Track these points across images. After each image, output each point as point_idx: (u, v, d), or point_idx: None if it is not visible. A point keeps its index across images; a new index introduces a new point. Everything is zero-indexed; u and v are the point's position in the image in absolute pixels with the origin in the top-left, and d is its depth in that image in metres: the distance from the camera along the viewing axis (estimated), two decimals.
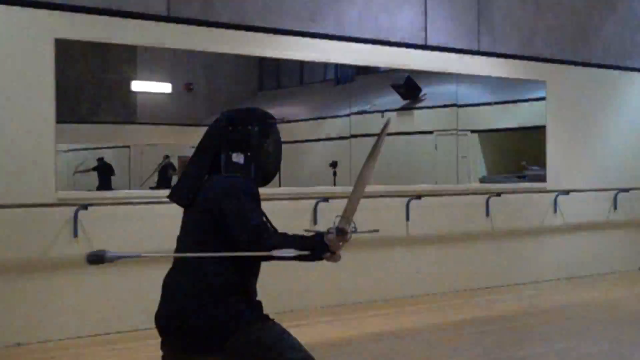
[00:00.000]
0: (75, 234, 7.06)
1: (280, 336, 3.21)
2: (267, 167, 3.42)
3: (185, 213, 3.42)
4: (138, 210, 7.39)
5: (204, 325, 3.17)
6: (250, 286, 3.34)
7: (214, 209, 3.19)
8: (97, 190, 7.57)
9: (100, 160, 7.67)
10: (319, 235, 3.06)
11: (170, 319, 3.27)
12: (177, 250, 3.38)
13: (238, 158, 3.32)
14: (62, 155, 7.19)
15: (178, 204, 3.41)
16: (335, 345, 6.80)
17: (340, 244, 3.06)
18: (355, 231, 3.11)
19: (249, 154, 3.33)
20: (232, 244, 3.14)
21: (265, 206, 3.45)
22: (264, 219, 3.29)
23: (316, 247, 3.04)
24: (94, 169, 7.64)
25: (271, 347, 3.15)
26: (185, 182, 3.36)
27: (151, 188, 7.88)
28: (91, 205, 7.05)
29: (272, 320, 3.31)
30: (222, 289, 3.20)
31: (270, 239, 3.06)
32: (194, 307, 3.19)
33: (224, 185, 3.24)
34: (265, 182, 3.48)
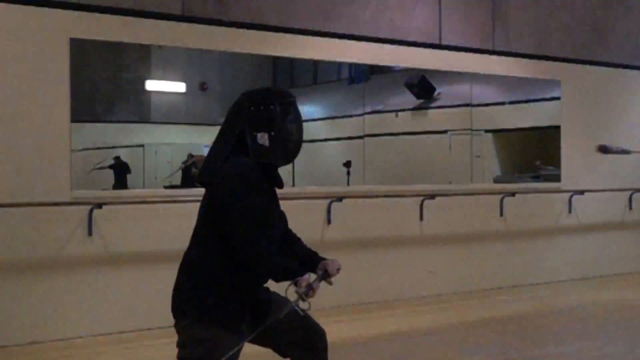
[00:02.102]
0: (90, 233, 7.08)
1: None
2: (289, 146, 3.39)
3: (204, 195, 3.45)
4: (152, 209, 7.41)
5: (192, 307, 3.30)
6: (250, 280, 3.35)
7: (214, 197, 3.24)
8: (113, 189, 7.60)
9: (117, 158, 7.71)
10: (296, 273, 3.23)
11: (173, 302, 3.40)
12: (193, 233, 3.42)
13: (263, 139, 3.30)
14: (76, 155, 7.22)
15: (199, 182, 3.41)
16: (348, 345, 6.79)
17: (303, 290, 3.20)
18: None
19: (272, 133, 3.30)
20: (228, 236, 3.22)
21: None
22: (268, 214, 3.35)
23: (283, 275, 3.25)
24: (111, 167, 7.67)
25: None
26: (207, 163, 3.35)
27: (173, 187, 7.91)
28: (105, 204, 7.08)
29: (238, 338, 3.30)
30: (216, 277, 3.27)
31: (267, 260, 3.22)
32: (186, 290, 3.32)
33: (228, 171, 3.24)
34: (288, 161, 3.46)
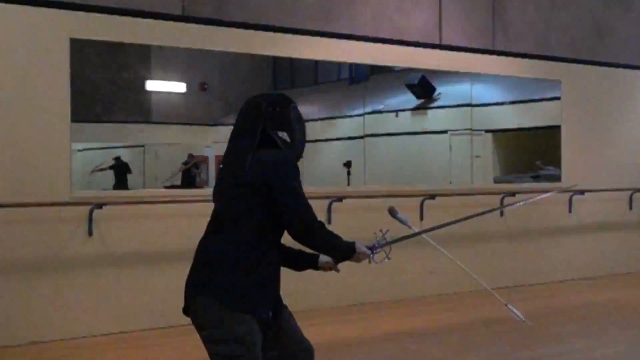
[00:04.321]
0: (90, 233, 7.08)
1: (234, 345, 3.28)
2: (300, 147, 3.63)
3: (222, 187, 3.50)
4: (152, 209, 7.41)
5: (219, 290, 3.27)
6: (276, 267, 3.46)
7: (262, 183, 3.34)
8: (113, 189, 7.61)
9: (117, 159, 7.72)
10: (353, 244, 3.51)
11: (191, 283, 3.37)
12: (214, 223, 3.46)
13: (284, 136, 3.52)
14: (77, 155, 7.22)
15: (229, 176, 3.48)
16: (348, 345, 6.79)
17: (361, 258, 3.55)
18: (385, 258, 3.67)
19: (289, 133, 3.54)
20: (276, 221, 3.37)
21: None
22: None
23: (345, 253, 3.51)
24: (111, 167, 7.69)
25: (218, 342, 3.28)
26: (236, 157, 3.47)
27: (173, 187, 7.92)
28: (106, 204, 7.08)
29: (252, 332, 3.32)
30: (251, 263, 3.31)
31: (324, 237, 3.45)
32: (217, 273, 3.30)
33: (272, 159, 3.40)
34: (298, 160, 3.65)
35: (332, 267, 3.67)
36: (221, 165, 3.56)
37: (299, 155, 3.63)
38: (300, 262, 3.68)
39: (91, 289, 7.13)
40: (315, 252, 3.67)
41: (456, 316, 8.15)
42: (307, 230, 3.42)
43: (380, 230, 3.70)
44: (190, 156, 8.18)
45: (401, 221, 4.11)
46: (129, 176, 7.80)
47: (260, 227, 3.35)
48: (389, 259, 3.66)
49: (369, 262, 3.62)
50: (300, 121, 3.62)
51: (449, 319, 7.99)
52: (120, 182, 7.75)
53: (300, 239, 3.42)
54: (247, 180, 3.35)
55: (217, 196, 3.51)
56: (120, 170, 7.75)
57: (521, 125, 10.55)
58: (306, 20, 8.35)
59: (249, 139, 3.45)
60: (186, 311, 3.39)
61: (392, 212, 4.15)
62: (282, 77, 9.02)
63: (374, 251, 3.61)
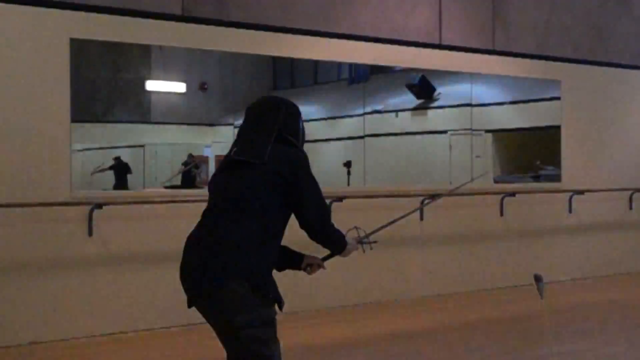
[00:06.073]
0: (90, 233, 7.09)
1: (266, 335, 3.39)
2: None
3: (234, 174, 3.54)
4: (152, 209, 7.42)
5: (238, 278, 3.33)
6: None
7: (288, 172, 3.49)
8: (113, 189, 7.60)
9: (117, 159, 7.71)
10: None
11: (213, 269, 3.37)
12: (225, 209, 3.50)
13: (291, 139, 3.69)
14: (76, 155, 7.22)
15: (248, 160, 3.53)
16: (348, 345, 6.78)
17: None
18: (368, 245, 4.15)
19: (296, 141, 3.70)
20: (288, 212, 3.55)
21: None
22: None
23: (344, 246, 3.81)
24: (111, 167, 7.68)
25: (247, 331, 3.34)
26: (254, 147, 3.56)
27: (173, 187, 7.91)
28: (106, 204, 7.08)
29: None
30: (267, 249, 3.45)
31: (334, 230, 3.72)
32: (240, 259, 3.36)
33: (295, 153, 3.60)
34: None
35: (320, 265, 3.86)
36: (235, 148, 3.62)
37: None
38: (287, 261, 3.78)
39: (91, 289, 7.13)
40: (301, 252, 3.83)
41: (456, 316, 8.15)
42: (324, 226, 3.65)
43: (356, 227, 4.04)
44: (190, 156, 8.17)
45: (539, 289, 4.55)
46: (129, 176, 7.79)
47: (276, 215, 3.48)
48: (372, 248, 4.16)
49: (363, 252, 4.12)
50: (303, 132, 3.82)
51: (449, 319, 7.99)
52: (120, 182, 7.75)
53: (317, 233, 3.62)
54: (269, 168, 3.46)
55: (226, 182, 3.57)
56: (120, 170, 7.75)
57: (521, 125, 10.54)
58: (306, 20, 8.34)
59: (267, 133, 3.59)
60: (190, 302, 3.44)
61: (537, 278, 4.55)
62: (282, 77, 9.00)
63: (361, 242, 3.99)
